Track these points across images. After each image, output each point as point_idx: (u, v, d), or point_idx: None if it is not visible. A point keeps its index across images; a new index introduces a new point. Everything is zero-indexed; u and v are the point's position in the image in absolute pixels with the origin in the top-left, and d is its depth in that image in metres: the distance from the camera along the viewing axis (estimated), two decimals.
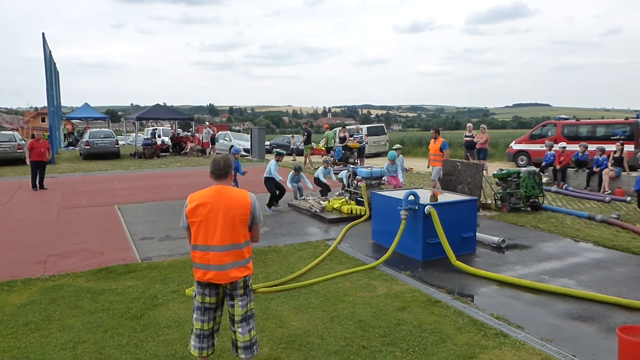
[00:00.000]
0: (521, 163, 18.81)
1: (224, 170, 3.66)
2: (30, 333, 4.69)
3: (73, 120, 41.57)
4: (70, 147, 34.52)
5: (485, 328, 4.67)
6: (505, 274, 6.31)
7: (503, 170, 11.08)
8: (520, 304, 5.39)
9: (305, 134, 21.57)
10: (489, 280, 6.08)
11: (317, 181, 11.87)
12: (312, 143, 22.27)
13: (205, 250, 3.58)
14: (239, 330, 3.67)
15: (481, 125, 17.94)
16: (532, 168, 11.36)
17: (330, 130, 23.78)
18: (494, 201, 10.97)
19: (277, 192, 10.66)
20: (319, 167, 15.31)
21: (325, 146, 22.05)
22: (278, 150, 11.63)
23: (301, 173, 11.28)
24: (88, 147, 24.97)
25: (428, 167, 12.93)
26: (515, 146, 19.87)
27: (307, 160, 20.85)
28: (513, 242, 7.95)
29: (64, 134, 38.44)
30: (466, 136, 17.84)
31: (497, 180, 11.10)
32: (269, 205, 10.62)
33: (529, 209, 10.55)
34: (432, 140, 12.32)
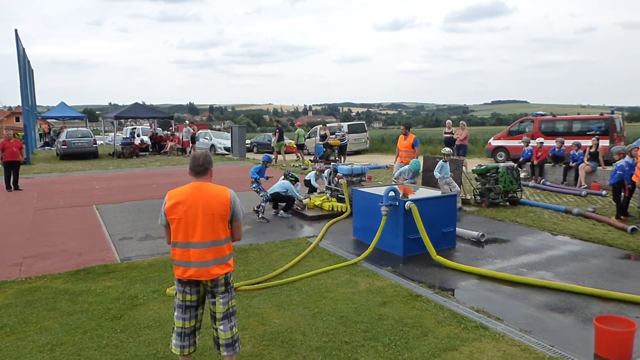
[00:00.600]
0: (500, 159, 19.07)
1: (203, 167, 3.63)
2: (6, 336, 4.59)
3: (49, 120, 40.76)
4: (47, 147, 33.84)
5: (466, 321, 4.73)
6: (485, 267, 6.40)
7: (482, 166, 11.22)
8: (500, 297, 5.47)
9: (277, 131, 21.54)
10: (469, 274, 6.15)
11: (307, 183, 11.72)
12: (285, 140, 22.51)
13: (185, 247, 3.56)
14: (221, 327, 3.66)
15: (460, 122, 18.16)
16: (511, 163, 11.53)
17: (302, 128, 24.19)
18: (473, 196, 11.11)
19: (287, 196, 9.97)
20: (309, 169, 15.33)
21: (297, 143, 22.27)
22: (294, 175, 10.58)
23: (297, 183, 10.56)
24: (65, 147, 24.52)
25: (394, 162, 11.82)
26: (494, 142, 20.13)
27: (282, 158, 20.87)
28: (492, 237, 8.05)
29: (40, 134, 37.67)
30: (446, 133, 18.04)
31: (476, 175, 11.24)
32: (286, 209, 9.95)
33: (507, 203, 10.71)
34: (402, 136, 11.50)
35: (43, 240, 8.26)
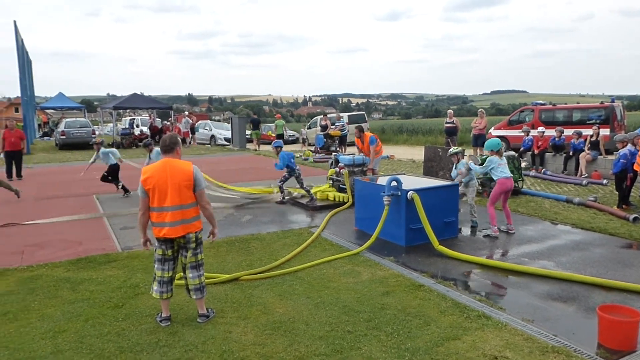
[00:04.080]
0: None
1: (169, 147, 4.43)
2: (9, 323, 4.59)
3: (48, 110, 40.65)
4: (46, 138, 33.80)
5: (468, 310, 4.72)
6: (487, 257, 6.39)
7: (484, 155, 11.17)
8: (502, 286, 5.47)
9: (250, 122, 25.44)
10: (471, 264, 6.14)
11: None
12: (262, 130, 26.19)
13: (160, 211, 4.32)
14: (190, 275, 4.49)
15: (479, 110, 17.47)
16: (511, 153, 11.49)
17: (287, 123, 28.35)
18: None
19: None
20: (310, 160, 15.23)
21: (275, 133, 23.62)
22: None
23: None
24: (64, 137, 24.50)
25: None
26: (494, 132, 20.03)
27: (257, 147, 24.19)
28: None
29: (39, 124, 37.58)
30: (447, 123, 17.92)
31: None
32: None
33: None
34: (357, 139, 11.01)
35: (44, 230, 8.24)
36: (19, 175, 14.00)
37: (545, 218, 8.54)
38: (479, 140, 16.43)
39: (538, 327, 4.36)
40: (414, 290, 5.26)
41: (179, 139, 4.60)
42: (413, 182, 7.79)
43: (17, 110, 59.02)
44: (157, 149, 9.88)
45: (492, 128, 20.54)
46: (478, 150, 16.06)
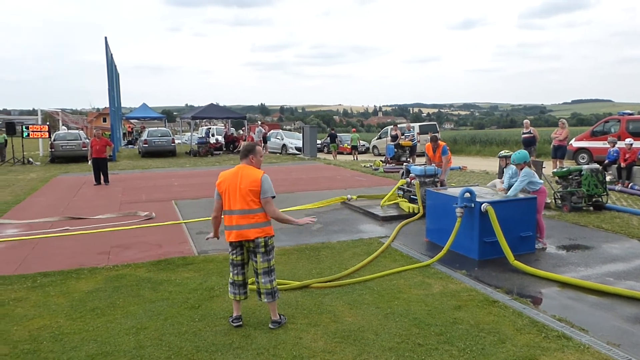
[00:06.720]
0: (582, 161, 18.00)
1: (244, 154, 4.64)
2: (97, 318, 4.93)
3: (132, 120, 43.30)
4: (130, 146, 35.98)
5: (547, 330, 4.50)
6: (567, 275, 6.06)
7: (564, 168, 10.64)
8: (584, 306, 5.16)
9: (329, 136, 27.73)
10: (550, 281, 5.85)
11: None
12: (339, 142, 27.60)
13: (229, 214, 4.54)
14: (262, 280, 4.60)
15: (560, 120, 16.66)
16: (595, 165, 10.83)
17: (358, 132, 30.50)
18: (553, 200, 10.55)
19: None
20: (380, 170, 15.15)
21: (350, 145, 26.83)
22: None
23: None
24: (146, 145, 25.95)
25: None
26: (575, 143, 19.03)
27: (334, 157, 25.12)
28: (574, 243, 7.62)
29: (123, 133, 40.09)
30: (524, 133, 17.19)
31: (557, 178, 10.67)
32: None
33: (591, 208, 10.08)
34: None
35: (127, 232, 8.78)
36: (106, 181, 14.99)
37: (633, 236, 7.97)
38: (559, 151, 15.61)
39: (625, 352, 4.08)
40: (487, 306, 5.09)
41: (256, 147, 4.73)
42: (487, 194, 7.57)
43: (104, 120, 63.42)
44: None
45: (574, 139, 19.50)
46: (558, 162, 15.27)
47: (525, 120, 18.51)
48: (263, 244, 4.54)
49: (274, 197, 4.58)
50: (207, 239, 5.04)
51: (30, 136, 24.30)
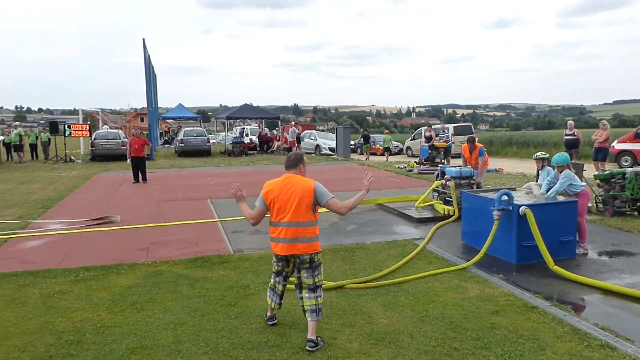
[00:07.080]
0: (625, 164, 17.37)
1: (293, 163, 4.44)
2: (137, 312, 5.06)
3: (168, 120, 44.23)
4: (166, 145, 36.74)
5: (589, 338, 4.37)
6: (610, 282, 5.86)
7: (606, 170, 10.29)
8: (629, 315, 4.98)
9: (362, 137, 28.23)
10: (592, 288, 5.67)
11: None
12: (372, 143, 28.35)
13: (276, 225, 4.33)
14: (306, 296, 4.35)
15: (601, 122, 16.01)
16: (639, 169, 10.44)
17: (390, 134, 31.06)
18: (595, 204, 10.22)
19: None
20: (414, 171, 15.03)
21: (383, 146, 27.50)
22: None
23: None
24: (182, 144, 26.44)
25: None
26: (617, 146, 18.38)
27: (367, 158, 25.47)
28: (618, 249, 7.37)
29: (160, 133, 40.97)
30: (567, 134, 16.72)
31: (598, 181, 10.34)
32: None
33: (635, 213, 9.72)
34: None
35: (165, 229, 8.97)
36: (144, 179, 15.34)
37: None
38: (600, 154, 15.00)
39: None
40: (526, 312, 4.98)
41: (304, 157, 4.55)
42: (525, 196, 7.41)
43: (142, 120, 64.96)
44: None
45: (616, 141, 18.84)
46: (599, 165, 14.78)
47: (569, 122, 17.97)
48: (308, 260, 4.30)
49: (332, 197, 4.35)
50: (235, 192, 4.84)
51: (72, 135, 25.10)
